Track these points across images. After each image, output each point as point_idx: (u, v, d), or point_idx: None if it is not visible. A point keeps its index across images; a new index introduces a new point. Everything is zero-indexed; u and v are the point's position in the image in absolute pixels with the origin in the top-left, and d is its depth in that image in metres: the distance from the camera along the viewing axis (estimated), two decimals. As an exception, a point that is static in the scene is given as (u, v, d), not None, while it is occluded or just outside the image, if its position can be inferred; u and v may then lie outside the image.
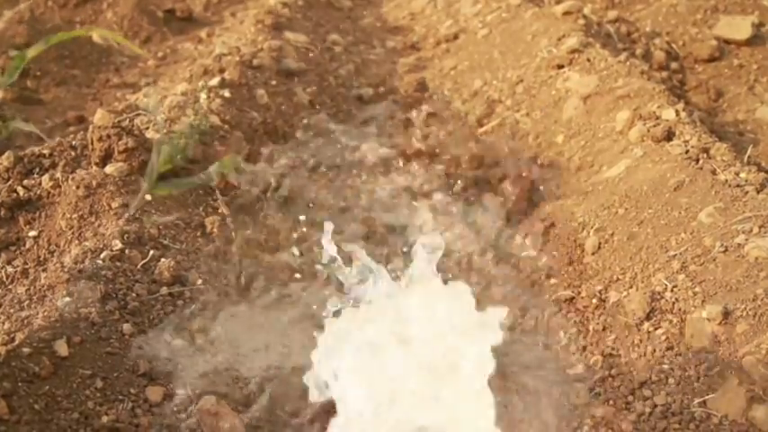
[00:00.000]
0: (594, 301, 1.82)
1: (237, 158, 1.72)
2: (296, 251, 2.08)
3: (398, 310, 1.30)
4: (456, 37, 3.57)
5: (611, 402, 1.57)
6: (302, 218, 2.23)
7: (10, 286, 1.83)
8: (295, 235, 2.15)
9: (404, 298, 1.32)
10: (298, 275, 2.02)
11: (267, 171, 2.42)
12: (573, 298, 1.85)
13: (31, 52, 2.22)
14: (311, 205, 2.34)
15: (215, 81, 2.72)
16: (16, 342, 1.53)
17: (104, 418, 1.48)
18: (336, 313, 1.35)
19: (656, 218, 1.95)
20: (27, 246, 1.95)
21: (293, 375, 1.64)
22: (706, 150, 2.14)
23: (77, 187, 2.01)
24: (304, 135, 2.71)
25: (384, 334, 1.27)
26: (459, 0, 3.91)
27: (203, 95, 2.54)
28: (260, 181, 2.36)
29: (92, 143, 2.16)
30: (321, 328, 1.35)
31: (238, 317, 1.84)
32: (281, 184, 2.37)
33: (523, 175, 2.37)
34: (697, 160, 2.09)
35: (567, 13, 3.23)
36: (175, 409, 1.55)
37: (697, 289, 1.71)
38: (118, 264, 1.82)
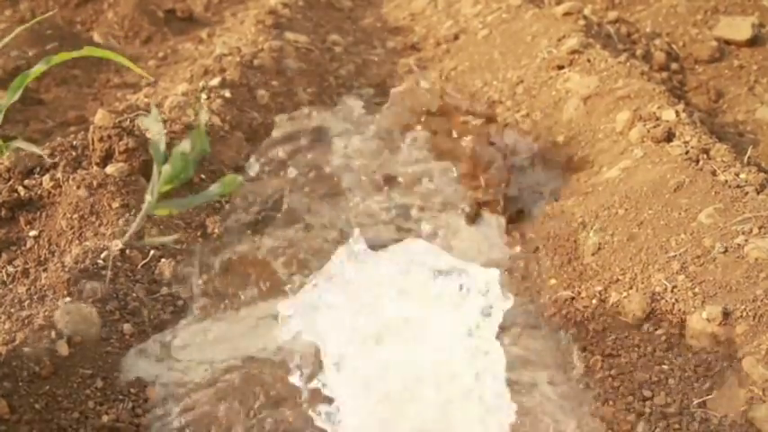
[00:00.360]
0: (594, 301, 1.82)
1: (239, 178, 1.74)
2: (296, 252, 2.09)
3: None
4: (456, 37, 3.57)
5: (611, 402, 1.57)
6: (301, 222, 2.23)
7: (11, 286, 1.83)
8: (294, 237, 2.15)
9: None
10: (299, 275, 2.02)
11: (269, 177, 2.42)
12: (573, 298, 1.86)
13: (34, 73, 2.23)
14: (310, 211, 2.34)
15: (216, 81, 2.72)
16: (17, 342, 1.54)
17: (104, 418, 1.48)
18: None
19: (655, 218, 1.95)
20: (28, 245, 1.95)
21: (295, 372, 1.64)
22: (706, 151, 2.15)
23: (78, 187, 2.01)
24: (303, 136, 2.71)
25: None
26: (460, 0, 3.92)
27: (203, 97, 2.54)
28: (261, 185, 2.37)
29: (92, 143, 2.16)
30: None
31: (239, 317, 1.84)
32: (282, 190, 2.37)
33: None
34: (697, 161, 2.09)
35: (567, 14, 3.24)
36: (176, 409, 1.55)
37: (697, 290, 1.71)
38: (118, 264, 1.82)
